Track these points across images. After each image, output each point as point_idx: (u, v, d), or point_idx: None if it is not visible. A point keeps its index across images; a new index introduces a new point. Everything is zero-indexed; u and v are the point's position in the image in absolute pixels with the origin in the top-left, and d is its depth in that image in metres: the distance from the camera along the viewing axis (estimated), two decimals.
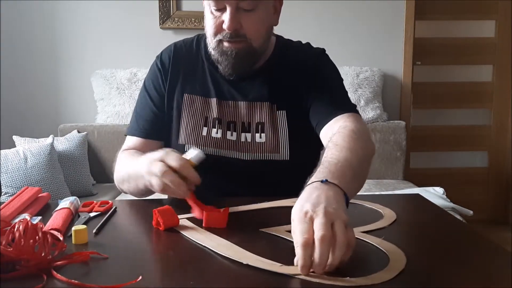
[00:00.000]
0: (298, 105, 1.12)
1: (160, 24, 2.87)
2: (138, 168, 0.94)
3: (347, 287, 0.61)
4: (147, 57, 2.81)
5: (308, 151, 1.15)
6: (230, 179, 1.12)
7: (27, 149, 2.27)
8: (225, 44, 1.05)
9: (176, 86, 1.16)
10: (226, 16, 1.01)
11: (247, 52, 1.06)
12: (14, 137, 2.50)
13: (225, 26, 1.01)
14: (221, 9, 1.02)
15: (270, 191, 1.00)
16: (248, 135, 1.12)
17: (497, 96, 3.23)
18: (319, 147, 1.15)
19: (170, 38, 2.80)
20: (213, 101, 1.14)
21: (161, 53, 1.21)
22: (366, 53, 2.96)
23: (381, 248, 0.75)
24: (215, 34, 1.05)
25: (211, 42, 1.08)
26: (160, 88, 1.17)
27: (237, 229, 0.84)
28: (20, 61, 2.88)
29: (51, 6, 2.85)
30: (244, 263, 0.67)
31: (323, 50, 1.19)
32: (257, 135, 1.12)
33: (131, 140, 1.18)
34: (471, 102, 3.24)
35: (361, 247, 0.76)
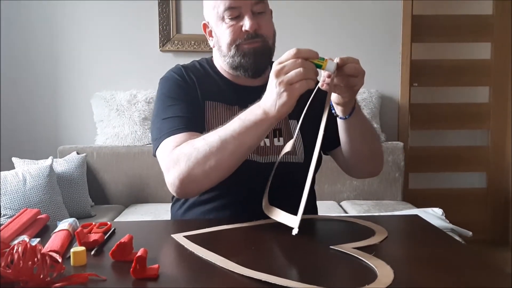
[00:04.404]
0: (307, 115, 1.14)
1: (160, 47, 2.91)
2: (249, 110, 0.96)
3: None
4: (147, 79, 2.86)
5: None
6: (248, 182, 1.12)
7: (26, 171, 2.27)
8: (245, 46, 1.12)
9: (197, 94, 1.18)
10: (245, 20, 1.10)
11: (265, 50, 1.14)
12: (14, 159, 2.50)
13: (246, 27, 1.10)
14: (236, 17, 1.11)
15: (284, 193, 1.02)
16: (267, 140, 1.17)
17: (494, 117, 3.25)
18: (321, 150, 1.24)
19: (170, 60, 2.85)
20: (235, 108, 1.17)
21: (171, 70, 1.22)
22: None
23: (370, 263, 0.76)
24: (234, 41, 1.12)
25: (229, 52, 1.14)
26: (186, 89, 1.17)
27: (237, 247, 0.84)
28: (20, 82, 2.91)
29: (51, 28, 2.89)
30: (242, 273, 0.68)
31: None
32: (275, 139, 1.18)
33: (176, 139, 1.07)
34: (468, 123, 3.26)
35: (350, 262, 0.79)
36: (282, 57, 0.90)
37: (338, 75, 0.94)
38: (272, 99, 0.90)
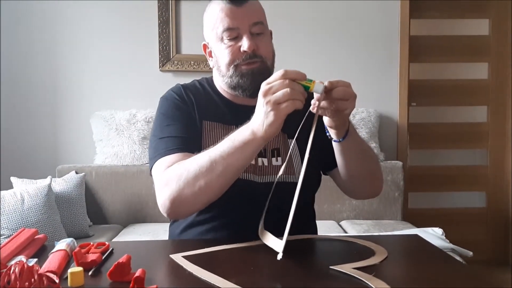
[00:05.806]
0: (305, 135, 1.14)
1: (160, 67, 2.93)
2: (238, 131, 0.97)
3: None
4: (147, 98, 2.88)
5: (314, 174, 1.23)
6: (246, 202, 1.12)
7: (25, 191, 2.26)
8: (243, 67, 1.13)
9: (194, 114, 1.18)
10: (243, 40, 1.11)
11: (263, 71, 1.13)
12: (12, 178, 2.49)
13: (244, 48, 1.11)
14: (234, 38, 1.12)
15: (281, 212, 1.01)
16: (265, 160, 1.17)
17: (493, 136, 3.26)
18: (319, 170, 1.28)
19: (170, 80, 2.86)
20: (233, 128, 1.15)
21: (171, 90, 1.23)
22: (362, 95, 2.95)
23: (370, 284, 0.76)
24: (233, 61, 1.13)
25: (227, 72, 1.15)
26: (184, 109, 1.18)
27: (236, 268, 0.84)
28: (20, 101, 2.92)
29: (52, 48, 2.91)
30: None
31: None
32: (273, 159, 1.18)
33: (169, 159, 1.08)
34: (467, 142, 3.27)
35: (350, 283, 0.78)
36: (270, 78, 0.91)
37: (327, 99, 0.94)
38: (260, 119, 0.92)
